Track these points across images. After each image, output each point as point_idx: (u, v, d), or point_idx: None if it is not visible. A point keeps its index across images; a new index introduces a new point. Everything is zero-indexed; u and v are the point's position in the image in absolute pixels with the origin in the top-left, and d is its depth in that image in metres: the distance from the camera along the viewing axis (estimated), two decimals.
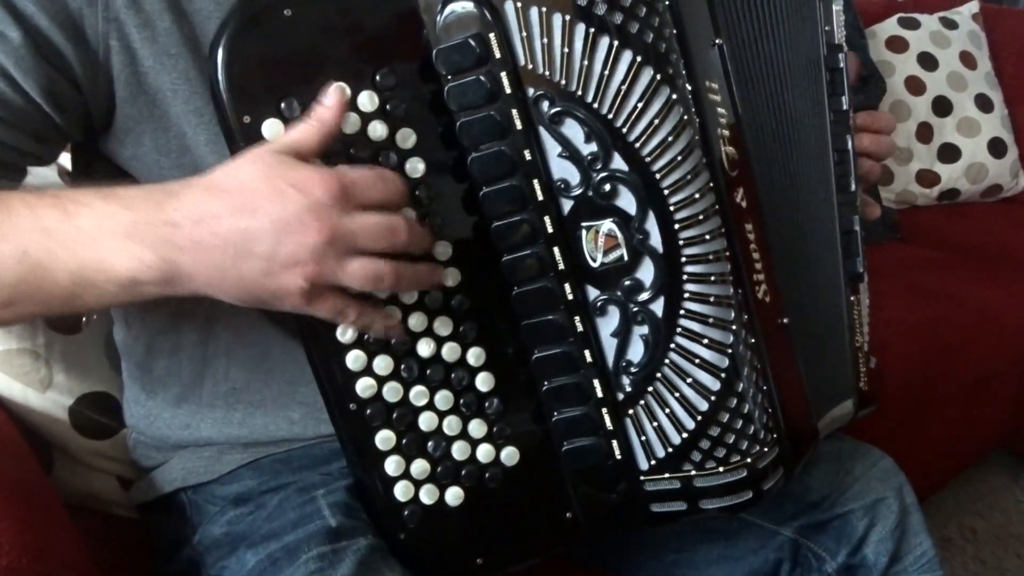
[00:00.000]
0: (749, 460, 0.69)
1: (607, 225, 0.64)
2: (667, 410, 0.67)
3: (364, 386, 0.65)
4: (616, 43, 0.60)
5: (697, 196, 0.64)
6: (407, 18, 0.62)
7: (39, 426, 0.93)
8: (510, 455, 0.69)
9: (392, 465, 0.67)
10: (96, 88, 0.67)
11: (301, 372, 0.70)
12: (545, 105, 0.62)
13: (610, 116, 0.62)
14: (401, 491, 0.68)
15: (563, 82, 0.61)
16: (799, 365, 0.76)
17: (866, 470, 0.88)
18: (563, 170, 0.63)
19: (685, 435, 0.68)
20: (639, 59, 0.61)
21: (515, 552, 0.72)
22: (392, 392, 0.66)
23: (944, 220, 2.02)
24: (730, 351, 0.66)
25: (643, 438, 0.68)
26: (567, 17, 0.60)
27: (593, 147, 0.62)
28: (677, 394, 0.67)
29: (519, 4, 0.60)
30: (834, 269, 0.83)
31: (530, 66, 0.61)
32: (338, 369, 0.65)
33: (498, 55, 0.61)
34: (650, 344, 0.66)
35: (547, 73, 0.61)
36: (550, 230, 0.65)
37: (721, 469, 0.68)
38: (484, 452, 0.69)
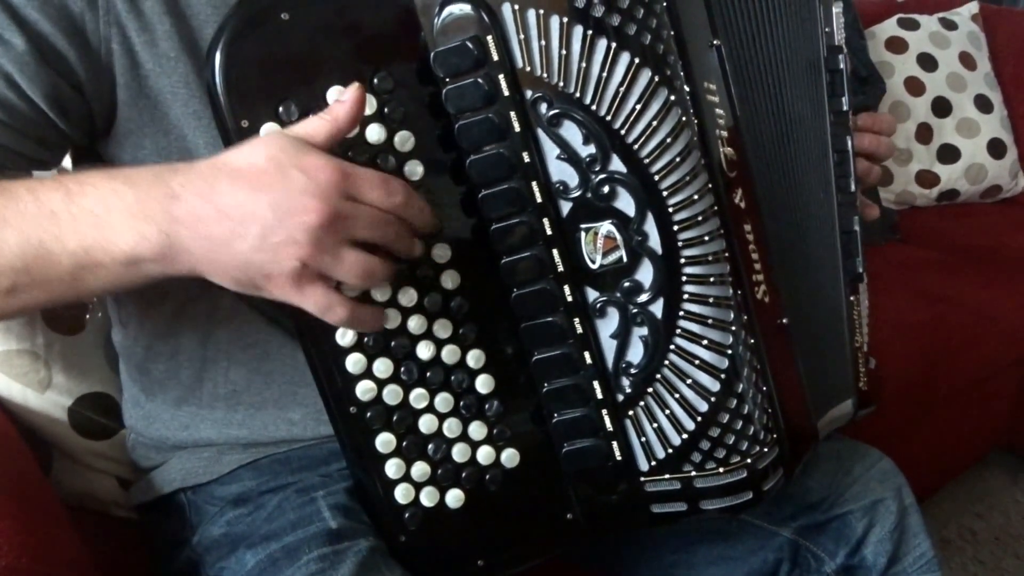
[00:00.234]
0: (749, 461, 0.69)
1: (606, 227, 0.64)
2: (667, 411, 0.67)
3: (364, 389, 0.65)
4: (614, 45, 0.60)
5: (696, 197, 0.64)
6: (404, 21, 0.62)
7: (38, 426, 0.93)
8: (510, 457, 0.69)
9: (392, 468, 0.67)
10: (99, 91, 0.67)
11: (301, 373, 0.70)
12: (543, 107, 0.62)
13: (608, 118, 0.62)
14: (401, 493, 0.68)
15: (561, 84, 0.61)
16: (798, 365, 0.76)
17: (865, 471, 0.88)
18: (562, 172, 0.63)
19: (685, 436, 0.68)
20: (637, 61, 0.61)
21: (516, 553, 0.72)
22: (392, 395, 0.66)
23: (944, 221, 2.02)
24: (729, 352, 0.66)
25: (643, 439, 0.68)
26: (565, 19, 0.60)
27: (592, 149, 0.62)
28: (677, 395, 0.67)
29: (516, 6, 0.60)
30: (834, 269, 0.83)
31: (528, 68, 0.61)
32: (338, 372, 0.65)
33: (496, 57, 0.61)
34: (649, 345, 0.66)
35: (545, 75, 0.61)
36: (549, 232, 0.65)
37: (721, 470, 0.68)
38: (484, 454, 0.69)
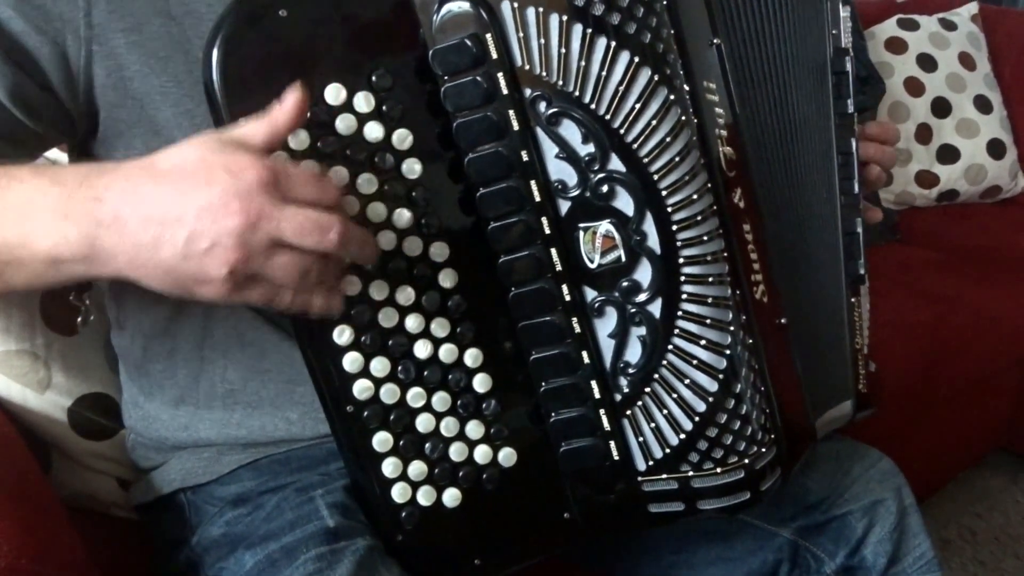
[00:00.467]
0: (747, 461, 0.69)
1: (605, 226, 0.64)
2: (665, 411, 0.67)
3: (361, 388, 0.65)
4: (614, 44, 0.60)
5: (695, 197, 0.64)
6: (403, 18, 0.62)
7: (38, 427, 0.93)
8: (508, 456, 0.69)
9: (389, 467, 0.67)
10: (74, 94, 0.67)
11: (298, 372, 0.70)
12: (542, 106, 0.62)
13: (608, 117, 0.62)
14: (399, 492, 0.68)
15: (560, 83, 0.61)
16: (797, 365, 0.76)
17: (865, 471, 0.88)
18: (560, 171, 0.63)
19: (683, 436, 0.68)
20: (637, 59, 0.61)
21: (513, 553, 0.72)
22: (389, 394, 0.66)
23: (943, 221, 2.02)
24: (728, 352, 0.66)
25: (641, 439, 0.68)
26: (564, 17, 0.60)
27: (591, 148, 0.62)
28: (675, 395, 0.67)
29: (516, 4, 0.60)
30: (835, 269, 0.83)
31: (527, 67, 0.61)
32: (335, 371, 0.65)
33: (495, 55, 0.61)
34: (648, 345, 0.66)
35: (544, 74, 0.61)
36: (547, 231, 0.65)
37: (719, 470, 0.68)
38: (481, 453, 0.69)
